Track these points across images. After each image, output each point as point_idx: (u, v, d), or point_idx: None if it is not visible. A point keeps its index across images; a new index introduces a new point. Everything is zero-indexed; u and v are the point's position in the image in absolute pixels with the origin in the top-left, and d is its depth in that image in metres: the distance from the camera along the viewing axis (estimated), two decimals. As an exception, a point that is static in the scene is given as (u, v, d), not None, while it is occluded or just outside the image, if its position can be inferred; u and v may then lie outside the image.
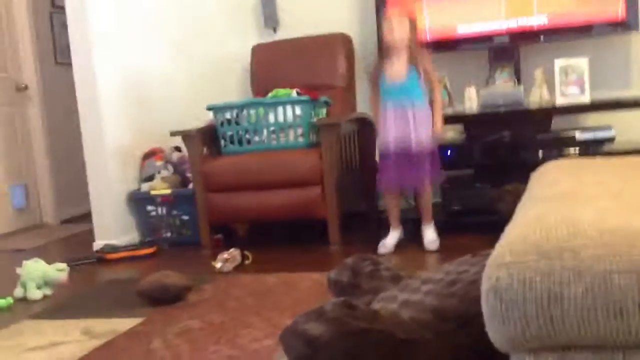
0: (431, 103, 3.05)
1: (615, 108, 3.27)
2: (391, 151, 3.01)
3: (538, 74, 3.47)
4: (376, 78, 3.09)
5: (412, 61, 2.98)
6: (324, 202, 3.26)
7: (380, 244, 3.11)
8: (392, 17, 2.99)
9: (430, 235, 3.13)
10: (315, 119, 3.45)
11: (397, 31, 2.95)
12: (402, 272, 1.81)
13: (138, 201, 3.79)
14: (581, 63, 3.32)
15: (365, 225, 3.56)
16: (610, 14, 3.37)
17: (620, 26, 3.39)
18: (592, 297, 0.93)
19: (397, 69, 3.00)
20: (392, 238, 3.15)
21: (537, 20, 3.49)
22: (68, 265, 2.97)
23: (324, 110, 3.60)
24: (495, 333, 1.03)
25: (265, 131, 3.48)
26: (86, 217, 4.18)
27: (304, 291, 2.54)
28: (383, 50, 3.06)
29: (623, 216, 1.06)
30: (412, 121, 2.97)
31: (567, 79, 3.33)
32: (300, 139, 3.43)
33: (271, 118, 3.47)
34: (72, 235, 4.44)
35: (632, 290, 0.91)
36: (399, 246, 3.15)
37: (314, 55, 3.85)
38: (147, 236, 3.77)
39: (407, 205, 3.62)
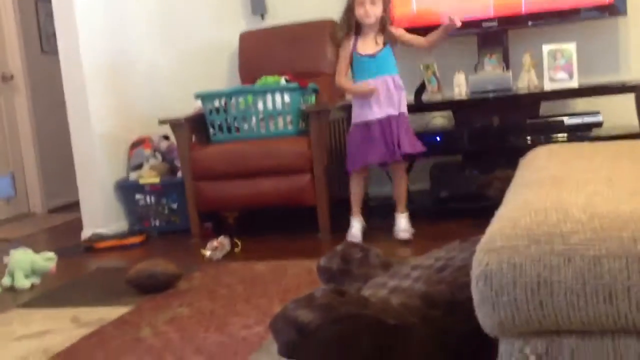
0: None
1: (603, 93, 3.28)
2: (374, 124, 2.99)
3: (526, 59, 3.46)
4: (347, 50, 3.04)
5: (386, 36, 2.99)
6: (313, 189, 3.25)
7: (348, 235, 3.09)
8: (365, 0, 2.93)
9: (402, 224, 3.10)
10: (304, 106, 3.43)
11: (372, 11, 2.93)
12: (392, 258, 1.82)
13: (126, 190, 3.77)
14: (569, 48, 3.31)
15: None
16: (598, -1, 3.37)
17: (607, 10, 3.39)
18: (582, 282, 0.94)
19: (370, 43, 3.00)
20: (356, 227, 3.13)
21: (525, 4, 3.48)
22: (56, 254, 2.95)
23: (313, 97, 3.59)
24: (485, 318, 1.03)
25: (254, 119, 3.46)
26: (74, 206, 4.16)
27: (294, 278, 2.54)
28: (353, 25, 3.00)
29: (612, 201, 1.07)
30: (396, 91, 2.99)
31: (555, 64, 3.33)
32: (289, 127, 3.41)
33: (260, 106, 3.44)
34: (60, 225, 4.41)
35: (622, 274, 0.92)
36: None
37: (302, 42, 3.83)
38: (136, 225, 3.76)
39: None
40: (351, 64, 3.07)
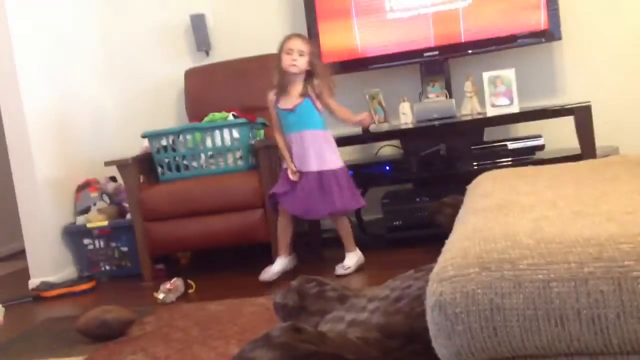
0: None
1: (543, 117, 3.37)
2: (298, 178, 2.97)
3: (468, 86, 3.55)
4: (273, 108, 3.05)
5: (308, 89, 2.95)
6: (266, 225, 3.23)
7: (264, 270, 3.07)
8: (293, 48, 2.92)
9: (346, 261, 3.06)
10: (253, 141, 3.43)
11: (298, 62, 2.91)
12: (348, 291, 1.81)
13: (74, 235, 3.68)
14: (508, 74, 3.41)
15: (309, 246, 3.54)
16: (534, 25, 3.49)
17: (543, 36, 3.51)
18: (533, 307, 0.95)
19: (292, 96, 2.98)
20: (277, 265, 3.08)
21: (464, 33, 3.58)
22: (3, 306, 2.85)
23: (262, 132, 3.59)
24: (442, 347, 1.04)
25: (203, 156, 3.44)
26: (20, 254, 4.03)
27: (250, 317, 2.50)
28: (279, 78, 2.99)
29: (558, 225, 1.09)
30: (312, 147, 2.95)
31: (496, 90, 3.42)
32: (239, 162, 3.40)
33: (208, 142, 3.43)
34: (6, 275, 4.27)
35: (571, 297, 0.93)
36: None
37: (248, 77, 3.84)
38: (85, 271, 3.66)
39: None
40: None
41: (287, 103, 2.99)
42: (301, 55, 2.92)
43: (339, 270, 3.02)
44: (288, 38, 2.98)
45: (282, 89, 3.00)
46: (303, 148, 2.97)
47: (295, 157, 3.00)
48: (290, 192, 3.00)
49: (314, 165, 2.96)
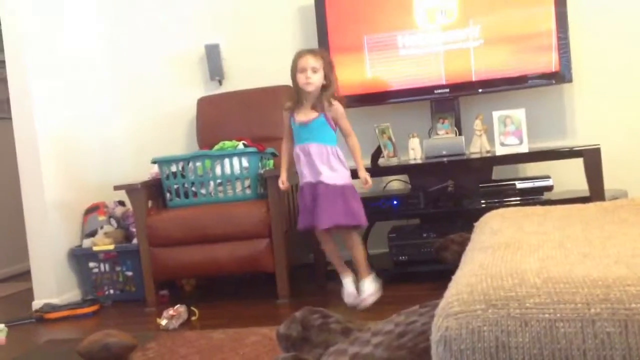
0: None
1: (552, 158, 3.38)
2: (305, 192, 2.97)
3: (478, 124, 3.57)
4: (287, 119, 3.05)
5: (320, 108, 2.95)
6: (272, 255, 3.23)
7: (344, 295, 3.02)
8: (306, 67, 2.91)
9: (366, 288, 2.98)
10: (262, 171, 3.45)
11: (313, 80, 2.92)
12: (352, 324, 1.80)
13: (79, 258, 3.68)
14: (518, 114, 3.43)
15: (313, 277, 3.53)
16: (545, 66, 3.52)
17: (554, 78, 3.54)
18: (539, 346, 0.95)
19: (306, 111, 2.98)
20: (348, 284, 3.03)
21: (475, 72, 3.61)
22: (6, 326, 2.84)
23: (271, 162, 3.61)
24: (446, 384, 1.03)
25: (212, 184, 3.46)
26: (25, 275, 4.03)
27: (253, 347, 2.49)
28: (295, 93, 3.00)
29: (565, 265, 1.09)
30: (318, 159, 2.94)
31: (505, 130, 3.44)
32: (248, 191, 3.42)
33: (218, 170, 3.45)
34: (10, 295, 4.26)
35: (577, 338, 0.93)
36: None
37: (259, 107, 3.88)
38: (90, 294, 3.66)
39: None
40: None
41: (302, 116, 2.99)
42: (315, 71, 2.92)
43: (370, 298, 2.95)
44: (300, 56, 2.96)
45: (298, 103, 3.01)
46: (312, 159, 2.95)
47: (305, 167, 2.98)
48: (304, 210, 3.00)
49: (319, 177, 2.93)
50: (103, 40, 4.24)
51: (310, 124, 2.96)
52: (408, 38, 3.68)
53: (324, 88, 2.96)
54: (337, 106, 2.97)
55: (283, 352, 1.78)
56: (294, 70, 2.96)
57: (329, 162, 2.95)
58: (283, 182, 3.09)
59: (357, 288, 3.00)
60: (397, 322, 1.62)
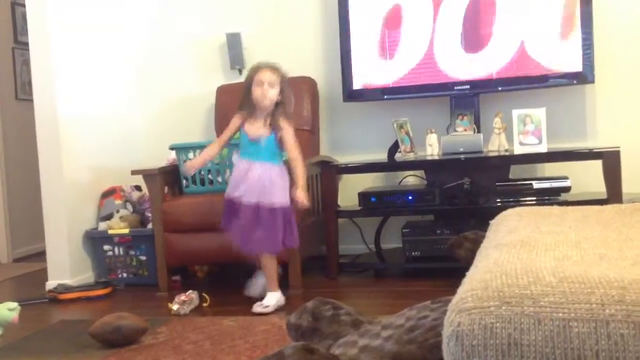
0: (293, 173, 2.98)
1: (571, 159, 3.36)
2: (238, 204, 2.92)
3: (497, 122, 3.55)
4: (235, 124, 3.00)
5: (273, 125, 2.92)
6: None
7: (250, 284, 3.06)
8: (264, 80, 2.89)
9: (266, 300, 2.93)
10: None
11: (268, 94, 2.89)
12: (363, 317, 1.80)
13: (95, 240, 3.71)
14: (538, 114, 3.41)
15: (326, 268, 3.54)
16: (567, 66, 3.49)
17: (576, 78, 3.50)
18: (552, 345, 0.94)
19: (257, 127, 2.94)
20: (260, 277, 3.05)
21: (496, 70, 3.59)
22: (19, 305, 2.87)
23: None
24: (456, 379, 1.03)
25: (228, 172, 3.46)
26: (40, 255, 4.07)
27: (262, 335, 2.50)
28: (247, 103, 2.95)
29: (581, 265, 1.08)
30: (263, 179, 2.90)
31: (524, 129, 3.42)
32: (263, 181, 3.41)
33: (234, 159, 3.45)
34: (25, 274, 4.31)
35: (590, 338, 0.92)
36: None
37: (278, 98, 3.87)
38: (103, 276, 3.69)
39: (368, 250, 3.62)
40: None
41: (252, 131, 2.95)
42: (272, 87, 2.90)
43: (257, 308, 2.91)
44: (258, 69, 2.94)
45: (250, 115, 2.97)
46: (249, 178, 2.91)
47: (239, 183, 2.94)
48: (234, 220, 2.95)
49: (254, 198, 2.89)
50: (126, 27, 4.25)
51: (260, 142, 2.93)
52: (436, 34, 3.66)
53: (277, 105, 2.93)
54: (285, 127, 2.94)
55: (292, 341, 1.78)
56: (250, 81, 2.94)
57: (271, 183, 2.91)
58: (190, 167, 3.04)
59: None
60: (408, 317, 1.62)
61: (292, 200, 2.93)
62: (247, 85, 2.95)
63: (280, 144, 2.96)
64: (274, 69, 2.95)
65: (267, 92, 2.89)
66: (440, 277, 3.14)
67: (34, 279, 4.00)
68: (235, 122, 3.02)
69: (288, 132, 2.96)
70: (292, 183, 2.96)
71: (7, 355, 2.51)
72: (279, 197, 2.92)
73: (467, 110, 3.65)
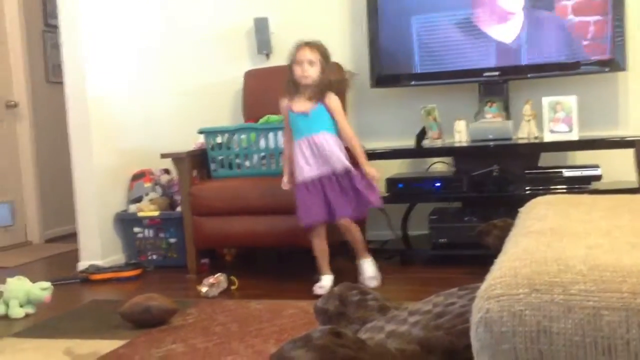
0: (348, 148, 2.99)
1: (602, 147, 3.31)
2: (307, 183, 2.93)
3: (526, 109, 3.51)
4: (285, 111, 3.03)
5: (318, 98, 2.94)
6: (310, 231, 3.25)
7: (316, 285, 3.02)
8: (303, 59, 2.91)
9: (368, 271, 3.03)
10: (306, 147, 3.46)
11: (309, 72, 2.91)
12: (390, 302, 1.81)
13: (125, 222, 3.77)
14: (569, 101, 3.36)
15: (353, 254, 3.55)
16: (599, 53, 3.43)
17: (608, 65, 3.45)
18: (581, 333, 0.94)
19: (304, 102, 2.96)
20: (326, 280, 3.00)
21: (526, 56, 3.55)
22: (52, 284, 2.94)
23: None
24: (484, 366, 1.03)
25: (255, 156, 3.49)
26: (72, 236, 4.15)
27: (290, 318, 2.52)
28: (292, 84, 2.98)
29: (612, 253, 1.08)
30: (328, 148, 2.91)
31: (555, 116, 3.37)
32: (290, 166, 3.43)
33: (262, 144, 3.48)
34: (57, 255, 4.40)
35: (621, 327, 0.92)
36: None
37: (306, 83, 3.87)
38: (133, 258, 3.75)
39: (394, 236, 3.63)
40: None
41: (300, 107, 2.97)
42: (311, 64, 2.92)
43: (369, 282, 2.96)
44: (297, 48, 2.97)
45: (295, 94, 2.99)
46: (319, 150, 2.92)
47: (311, 159, 2.94)
48: (305, 203, 2.95)
49: (325, 168, 2.91)
50: (156, 10, 4.28)
51: (311, 114, 2.95)
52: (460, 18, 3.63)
53: (320, 81, 2.94)
54: (332, 99, 2.96)
55: (320, 325, 1.80)
56: (292, 60, 2.96)
57: (334, 151, 2.92)
58: (285, 184, 3.05)
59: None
60: (435, 303, 1.63)
61: (367, 170, 2.95)
62: (290, 65, 2.98)
63: (330, 115, 2.97)
64: (313, 46, 2.97)
65: (307, 71, 2.92)
66: (466, 265, 3.13)
67: (66, 260, 4.08)
68: (282, 107, 3.05)
69: (335, 105, 2.97)
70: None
71: (39, 334, 2.57)
72: (344, 161, 2.93)
73: (497, 97, 3.61)
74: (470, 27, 3.62)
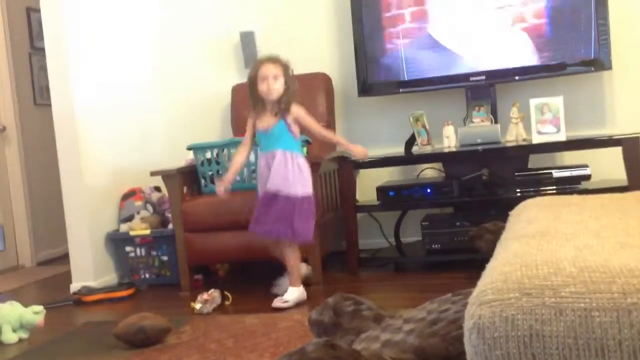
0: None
1: (590, 146, 3.33)
2: (261, 197, 2.97)
3: (514, 112, 3.52)
4: (250, 127, 3.04)
5: (281, 114, 2.94)
6: (304, 241, 3.24)
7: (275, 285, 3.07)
8: (267, 74, 2.90)
9: (283, 287, 3.03)
10: (295, 158, 3.45)
11: (275, 87, 2.91)
12: (384, 311, 1.81)
13: (116, 242, 3.75)
14: (556, 102, 3.38)
15: (346, 264, 3.54)
16: (583, 53, 3.45)
17: (593, 65, 3.47)
18: (574, 335, 0.94)
19: (267, 119, 2.97)
20: (284, 281, 3.08)
21: (512, 59, 3.56)
22: (44, 308, 2.91)
23: (304, 149, 3.61)
24: (479, 372, 1.03)
25: (245, 170, 3.48)
26: (63, 258, 4.12)
27: (285, 332, 2.51)
28: (258, 100, 2.98)
29: (602, 254, 1.08)
30: (279, 166, 2.92)
31: (542, 118, 3.39)
32: (281, 178, 3.42)
33: (252, 157, 3.46)
34: (49, 277, 4.36)
35: (613, 328, 0.92)
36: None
37: (293, 95, 3.87)
38: (126, 277, 3.72)
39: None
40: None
41: (264, 123, 2.99)
42: (276, 79, 2.92)
43: (277, 302, 2.93)
44: (259, 65, 2.97)
45: (260, 110, 2.99)
46: (269, 167, 2.95)
47: (261, 176, 3.00)
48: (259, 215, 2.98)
49: (273, 185, 2.92)
50: (142, 26, 4.28)
51: (270, 131, 2.96)
52: (444, 24, 3.64)
53: (283, 94, 2.95)
54: (296, 109, 2.97)
55: (315, 337, 1.79)
56: (254, 79, 2.96)
57: (286, 172, 2.93)
58: (221, 191, 3.05)
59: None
60: (429, 310, 1.62)
61: (352, 150, 3.05)
62: (252, 83, 2.98)
63: (293, 130, 2.98)
64: (275, 60, 2.97)
65: (273, 85, 2.92)
66: (460, 269, 3.13)
67: (58, 282, 4.05)
68: (249, 124, 3.06)
69: (301, 113, 3.00)
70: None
71: (34, 359, 2.54)
72: (297, 188, 2.93)
73: (484, 101, 3.63)
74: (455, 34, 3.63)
